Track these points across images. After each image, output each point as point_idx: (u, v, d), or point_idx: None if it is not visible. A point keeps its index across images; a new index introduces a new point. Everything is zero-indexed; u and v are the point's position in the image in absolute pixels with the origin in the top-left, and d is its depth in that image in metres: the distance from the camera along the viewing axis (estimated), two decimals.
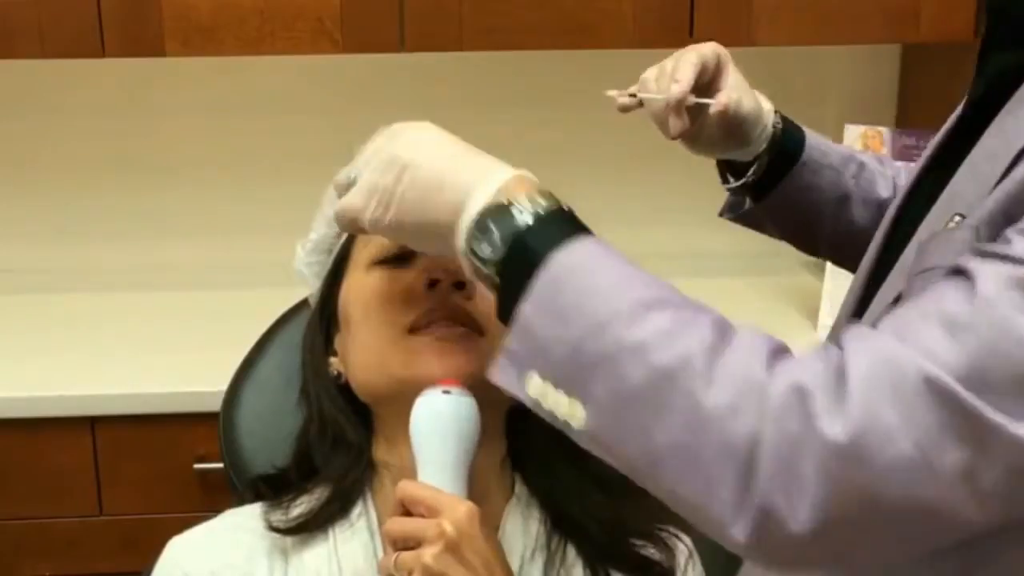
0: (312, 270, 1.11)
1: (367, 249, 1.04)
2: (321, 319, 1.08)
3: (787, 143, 1.17)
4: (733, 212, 1.29)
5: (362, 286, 1.02)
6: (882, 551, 0.68)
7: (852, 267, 1.12)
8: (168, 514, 1.67)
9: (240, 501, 1.09)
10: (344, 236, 1.09)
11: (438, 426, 0.91)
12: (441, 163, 0.81)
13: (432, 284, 0.98)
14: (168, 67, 1.97)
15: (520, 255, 0.75)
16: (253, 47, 1.83)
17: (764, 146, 1.16)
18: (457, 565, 0.85)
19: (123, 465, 1.73)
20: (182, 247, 2.15)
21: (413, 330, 0.97)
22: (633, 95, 1.12)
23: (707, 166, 2.27)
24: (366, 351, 1.00)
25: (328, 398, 1.05)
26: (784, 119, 1.18)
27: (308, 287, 1.13)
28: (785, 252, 2.27)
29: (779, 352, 0.73)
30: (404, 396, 0.94)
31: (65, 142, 2.12)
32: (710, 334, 0.71)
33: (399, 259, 1.02)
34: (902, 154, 1.82)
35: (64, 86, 2.10)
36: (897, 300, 0.80)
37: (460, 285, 0.98)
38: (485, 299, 0.98)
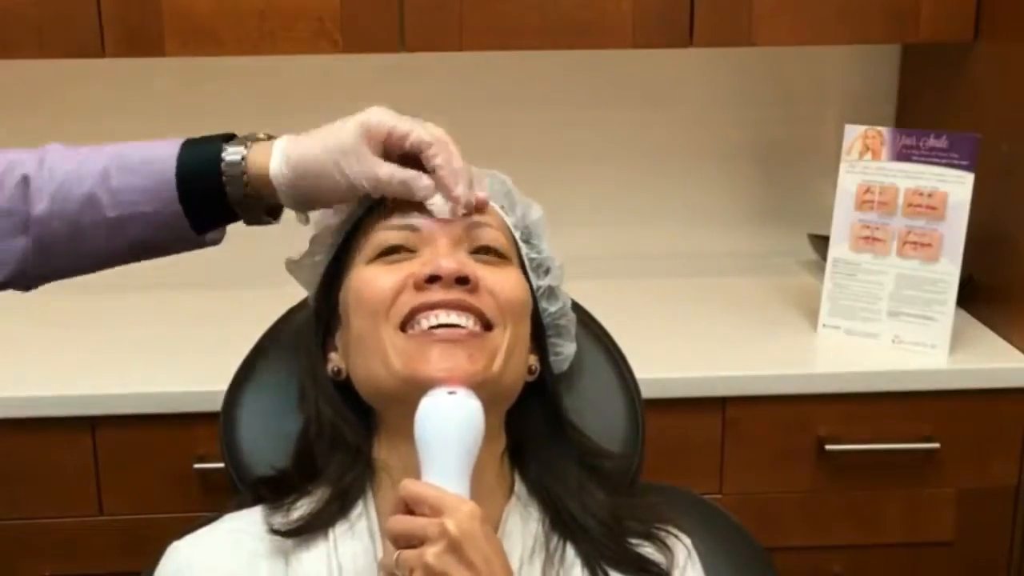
0: (309, 271, 1.11)
1: (367, 245, 1.04)
2: (319, 319, 1.08)
3: None
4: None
5: (362, 281, 1.02)
6: None
7: None
8: (168, 514, 1.67)
9: (240, 502, 1.09)
10: (340, 237, 1.09)
11: (443, 427, 0.92)
12: None
13: (432, 279, 0.98)
14: (168, 67, 1.97)
15: None
16: (253, 47, 1.83)
17: None
18: (458, 565, 0.85)
19: (123, 465, 1.72)
20: None
21: (411, 318, 0.97)
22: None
23: (707, 167, 2.28)
24: (367, 347, 1.00)
25: (326, 400, 1.05)
26: None
27: (303, 287, 1.13)
28: (785, 252, 2.29)
29: None
30: (407, 394, 0.94)
31: (65, 142, 2.12)
32: None
33: (400, 253, 1.02)
34: (902, 154, 1.83)
35: (64, 86, 2.10)
36: None
37: (463, 280, 0.97)
38: (490, 290, 0.98)
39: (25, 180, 1.05)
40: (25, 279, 1.09)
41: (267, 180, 1.03)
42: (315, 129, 1.05)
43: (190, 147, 1.07)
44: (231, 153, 1.04)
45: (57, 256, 1.07)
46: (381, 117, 1.01)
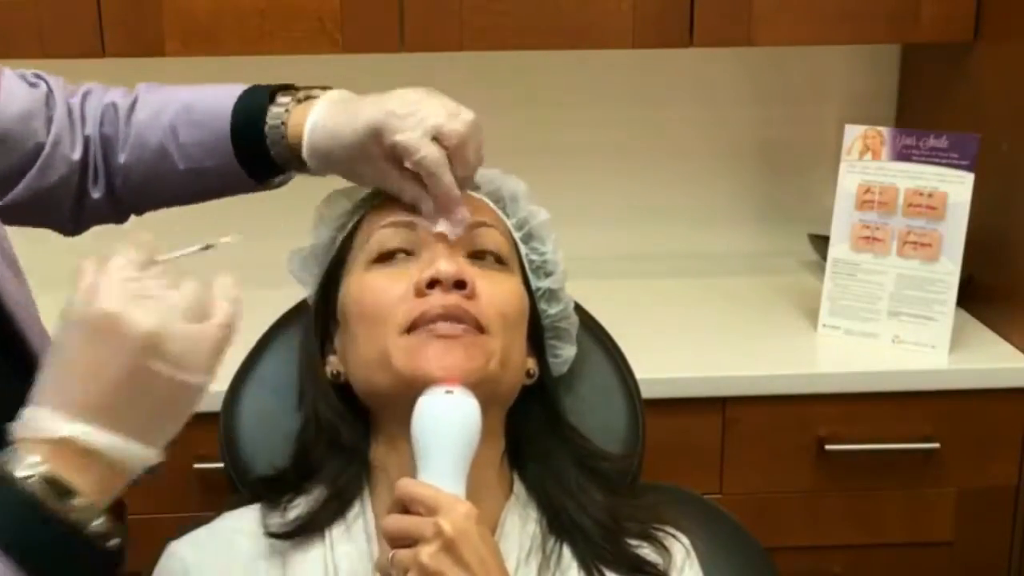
0: (309, 273, 1.11)
1: (367, 248, 1.04)
2: (318, 321, 1.08)
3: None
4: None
5: (362, 285, 1.02)
6: None
7: None
8: (168, 514, 1.67)
9: (239, 501, 1.09)
10: (341, 237, 1.09)
11: (440, 426, 0.92)
12: None
13: (432, 284, 0.98)
14: (168, 67, 1.97)
15: None
16: (253, 47, 1.83)
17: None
18: (453, 565, 0.85)
19: None
20: (181, 245, 2.15)
21: (413, 328, 0.97)
22: None
23: (707, 167, 2.28)
24: (366, 350, 1.00)
25: (324, 401, 1.05)
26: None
27: (305, 290, 1.13)
28: (785, 252, 2.29)
29: None
30: (405, 395, 0.94)
31: None
32: None
33: (400, 251, 1.02)
34: (902, 154, 1.83)
35: None
36: None
37: (460, 284, 0.98)
38: (486, 298, 0.99)
39: (114, 118, 1.13)
40: (119, 208, 1.15)
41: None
42: (368, 96, 1.06)
43: (243, 100, 1.10)
44: (273, 115, 1.07)
45: (143, 196, 1.14)
46: (394, 125, 1.00)
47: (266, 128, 1.07)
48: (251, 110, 1.09)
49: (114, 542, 0.77)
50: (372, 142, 1.00)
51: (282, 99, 1.09)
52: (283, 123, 1.06)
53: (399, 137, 0.99)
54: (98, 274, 0.76)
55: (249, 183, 1.11)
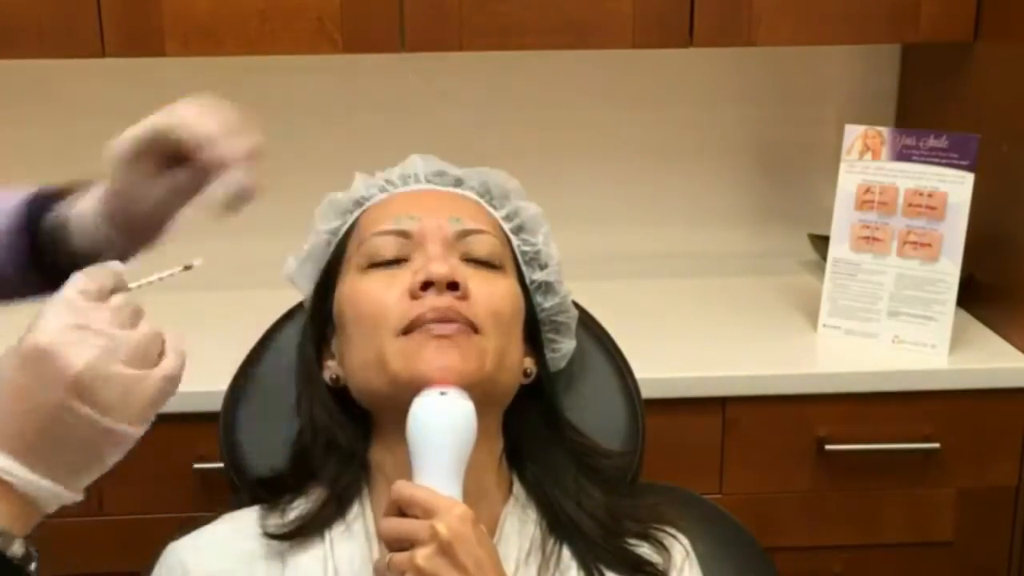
0: (305, 278, 1.11)
1: (361, 252, 1.04)
2: (314, 324, 1.09)
3: None
4: None
5: (357, 289, 1.02)
6: None
7: None
8: (168, 514, 1.67)
9: (239, 502, 1.09)
10: (335, 241, 1.09)
11: (434, 428, 0.92)
12: None
13: (426, 286, 0.98)
14: (168, 67, 1.97)
15: None
16: (253, 47, 1.83)
17: None
18: (449, 567, 0.85)
19: (123, 464, 1.71)
20: (182, 247, 2.15)
21: (409, 331, 0.97)
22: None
23: (707, 167, 2.28)
24: (363, 353, 1.00)
25: (320, 404, 1.05)
26: None
27: (301, 294, 1.14)
28: (785, 252, 2.29)
29: None
30: (401, 397, 0.94)
31: (65, 142, 2.12)
32: None
33: (393, 261, 1.02)
34: (902, 154, 1.82)
35: (64, 86, 2.10)
36: None
37: (454, 286, 0.98)
38: (479, 299, 0.99)
39: None
40: None
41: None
42: None
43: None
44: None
45: None
46: (155, 119, 0.90)
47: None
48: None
49: (32, 567, 0.72)
50: (146, 149, 0.92)
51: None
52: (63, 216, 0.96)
53: (164, 120, 0.89)
54: (48, 303, 0.73)
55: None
